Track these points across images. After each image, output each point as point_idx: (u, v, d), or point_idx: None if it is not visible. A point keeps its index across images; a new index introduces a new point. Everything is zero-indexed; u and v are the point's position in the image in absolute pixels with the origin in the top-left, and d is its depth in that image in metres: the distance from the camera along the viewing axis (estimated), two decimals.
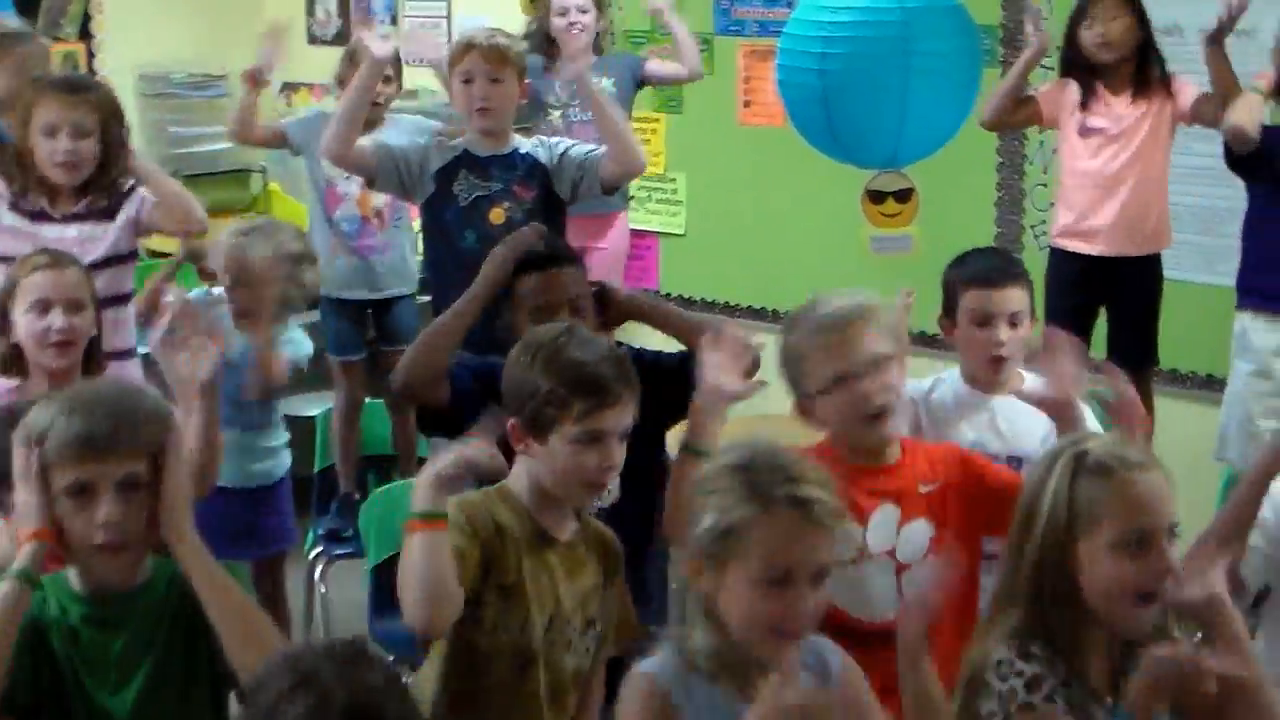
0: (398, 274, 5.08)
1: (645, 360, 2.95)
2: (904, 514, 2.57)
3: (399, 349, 4.85)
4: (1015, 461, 2.97)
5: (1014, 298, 3.08)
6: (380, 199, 4.89)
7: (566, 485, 2.41)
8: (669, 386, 2.84)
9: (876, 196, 3.87)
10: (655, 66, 5.48)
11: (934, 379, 3.22)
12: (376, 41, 4.10)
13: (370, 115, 4.94)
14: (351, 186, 4.92)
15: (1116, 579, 2.07)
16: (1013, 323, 3.07)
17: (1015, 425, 3.05)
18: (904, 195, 3.86)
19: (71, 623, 2.10)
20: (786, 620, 1.97)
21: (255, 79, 4.98)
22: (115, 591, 2.13)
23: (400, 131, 4.93)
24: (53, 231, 3.77)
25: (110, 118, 3.81)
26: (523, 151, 4.04)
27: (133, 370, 3.85)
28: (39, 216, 3.80)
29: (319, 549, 4.45)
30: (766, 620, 1.97)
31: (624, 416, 2.40)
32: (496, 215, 3.94)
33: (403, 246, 5.11)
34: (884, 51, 3.52)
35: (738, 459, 2.04)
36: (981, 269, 3.20)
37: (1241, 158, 4.22)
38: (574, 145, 4.07)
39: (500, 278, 3.07)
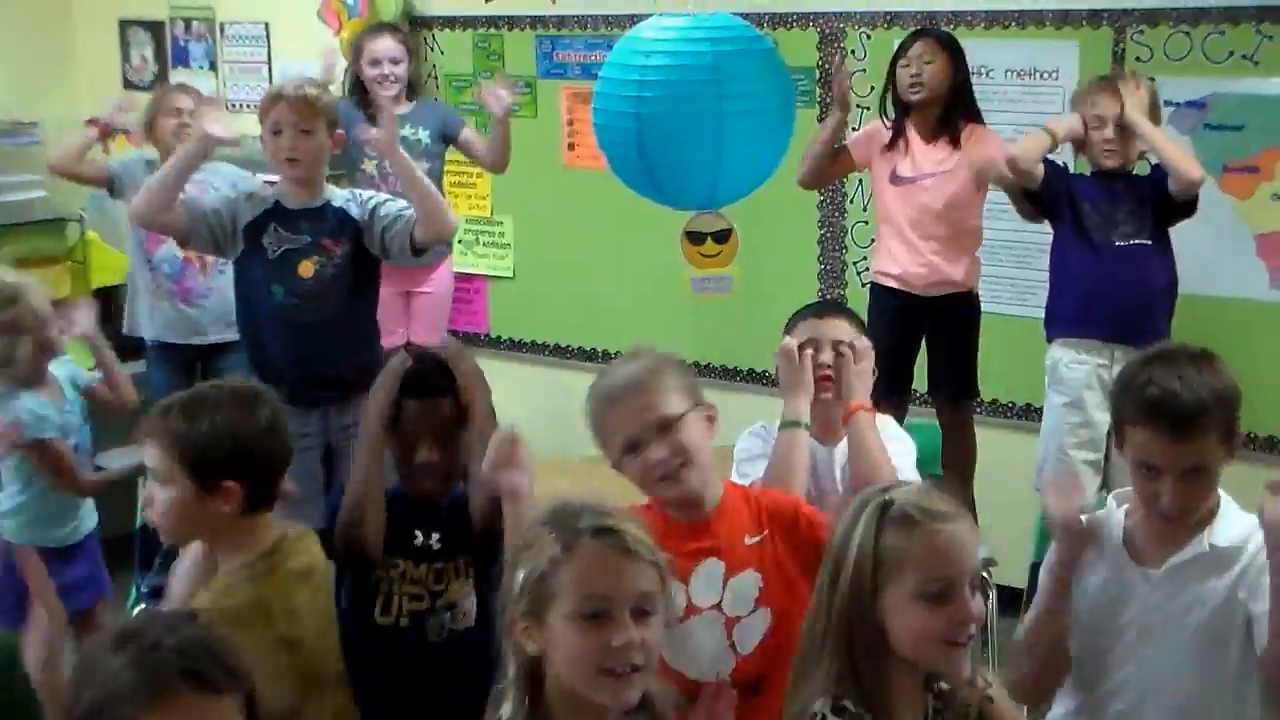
0: (224, 320, 4.96)
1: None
2: (729, 567, 2.55)
3: None
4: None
5: (837, 326, 3.13)
6: None
7: None
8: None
9: (696, 237, 3.90)
10: (469, 136, 5.46)
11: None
12: (217, 125, 4.01)
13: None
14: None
15: (921, 628, 2.10)
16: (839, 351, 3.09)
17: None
18: (723, 236, 3.89)
19: None
20: (612, 657, 1.93)
21: (105, 129, 4.87)
22: None
23: (220, 179, 4.86)
24: None
25: None
26: (335, 205, 4.01)
27: None
28: None
29: (142, 605, 4.33)
30: (592, 660, 1.93)
31: None
32: (305, 269, 3.90)
33: (228, 291, 5.00)
34: (697, 94, 3.54)
35: (542, 514, 2.04)
36: (811, 306, 3.34)
37: (1039, 199, 4.38)
38: (386, 202, 4.02)
39: (386, 406, 2.98)
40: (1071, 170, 4.57)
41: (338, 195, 4.05)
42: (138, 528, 4.48)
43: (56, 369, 3.90)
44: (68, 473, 3.78)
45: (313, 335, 3.76)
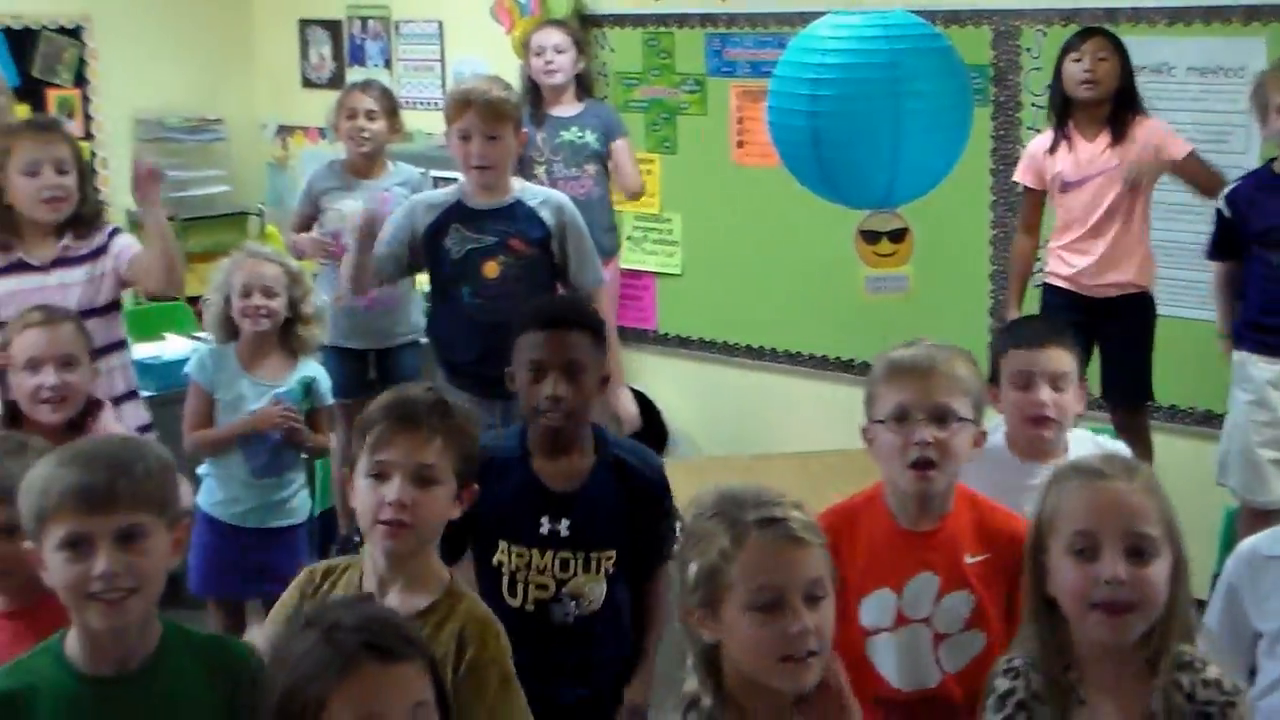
0: (400, 323, 5.05)
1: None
2: (944, 584, 2.52)
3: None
4: None
5: (1055, 358, 3.01)
6: None
7: None
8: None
9: (870, 236, 3.87)
10: (620, 147, 5.46)
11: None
12: (354, 210, 4.15)
13: (363, 163, 4.97)
14: (355, 204, 4.92)
15: (1069, 585, 2.10)
16: (1055, 385, 2.99)
17: None
18: (898, 235, 3.86)
19: (65, 702, 2.04)
20: (789, 644, 1.96)
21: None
22: (116, 673, 2.06)
23: (399, 178, 4.97)
24: (34, 281, 3.80)
25: (79, 154, 3.85)
26: (527, 204, 4.00)
27: (134, 413, 3.85)
28: (18, 268, 3.82)
29: None
30: (770, 648, 1.96)
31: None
32: (490, 269, 3.91)
33: (405, 298, 5.10)
34: (874, 92, 3.52)
35: (708, 506, 2.06)
36: (1024, 331, 3.20)
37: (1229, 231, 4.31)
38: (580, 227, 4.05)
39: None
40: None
41: (531, 193, 4.05)
42: (316, 514, 4.61)
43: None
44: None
45: (498, 333, 3.77)
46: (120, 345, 3.93)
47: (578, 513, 2.87)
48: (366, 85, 5.12)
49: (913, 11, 3.85)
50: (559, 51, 5.36)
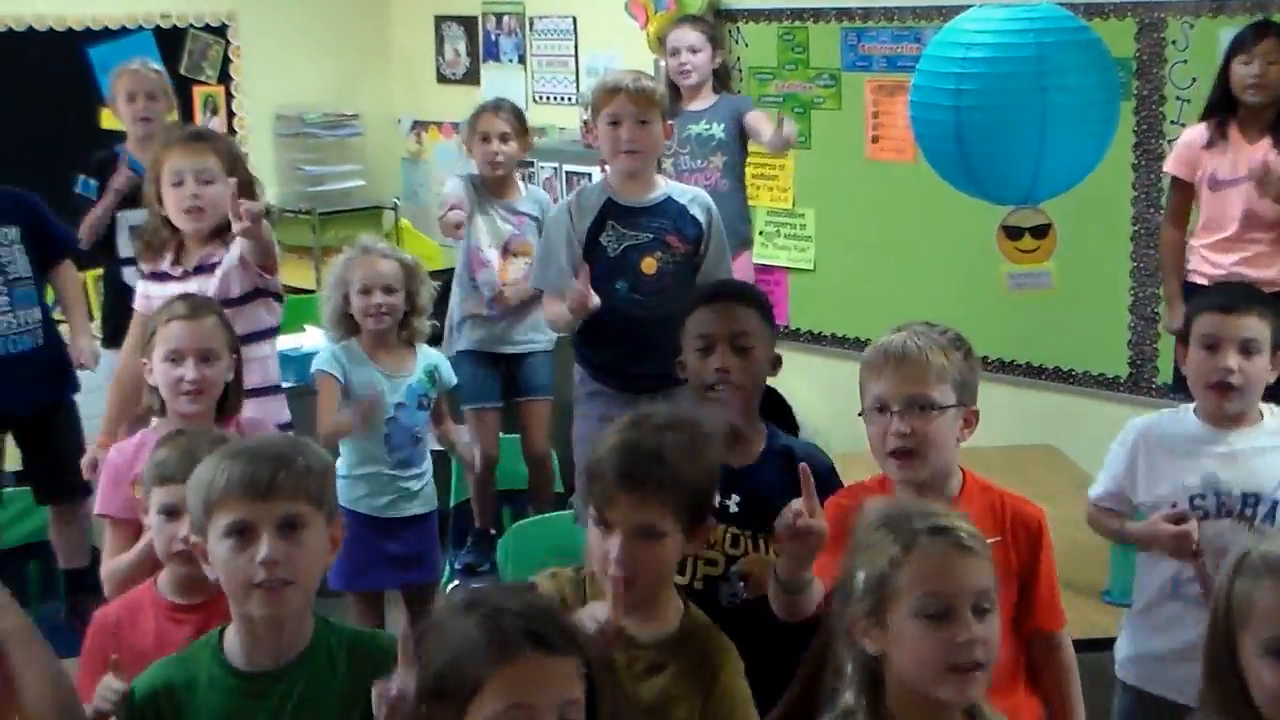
0: (532, 330, 5.04)
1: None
2: None
3: (532, 399, 4.94)
4: (1251, 499, 2.90)
5: (1247, 325, 2.93)
6: (519, 272, 4.90)
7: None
8: None
9: (1013, 232, 3.81)
10: (755, 117, 5.34)
11: (1171, 411, 3.12)
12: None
13: (496, 184, 5.01)
14: (493, 254, 4.95)
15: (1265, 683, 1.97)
16: (1245, 350, 2.92)
17: (1253, 461, 2.94)
18: (1041, 231, 3.80)
19: (219, 695, 2.11)
20: (957, 653, 1.95)
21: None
22: (269, 667, 2.12)
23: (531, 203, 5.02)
24: (172, 288, 3.79)
25: (233, 165, 3.88)
26: (677, 200, 3.98)
27: (276, 406, 3.92)
28: (160, 277, 3.88)
29: (455, 583, 4.50)
30: (937, 658, 1.95)
31: None
32: (649, 265, 3.89)
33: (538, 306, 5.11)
34: (1019, 86, 3.47)
35: (875, 518, 2.07)
36: (1219, 296, 3.15)
37: None
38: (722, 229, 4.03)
39: None
40: None
41: (678, 190, 4.03)
42: (451, 506, 4.67)
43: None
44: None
45: (653, 329, 3.76)
46: (265, 335, 3.96)
47: (748, 489, 2.85)
48: (498, 107, 5.12)
49: (1060, 4, 3.79)
50: (693, 51, 5.35)
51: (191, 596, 2.52)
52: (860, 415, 2.65)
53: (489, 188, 5.02)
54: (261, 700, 2.09)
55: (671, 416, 2.42)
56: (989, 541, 2.42)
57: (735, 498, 2.86)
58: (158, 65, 5.37)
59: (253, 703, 2.09)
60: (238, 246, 3.76)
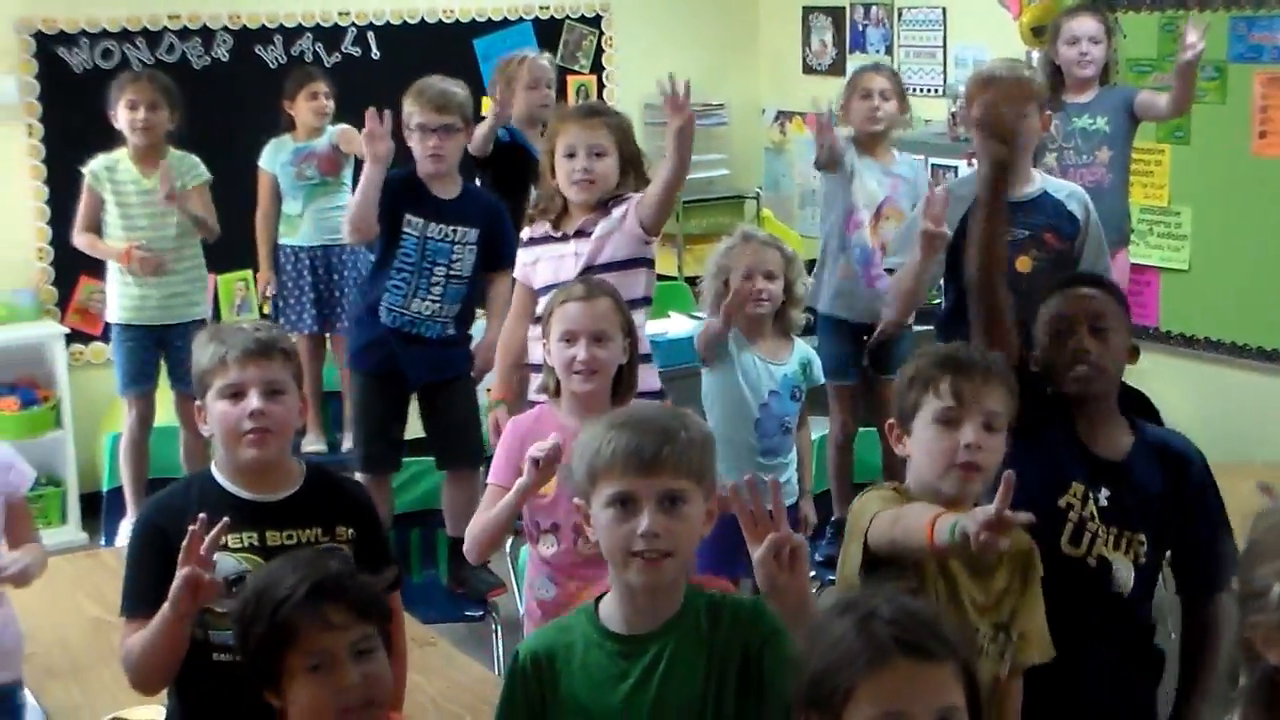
0: (882, 302, 5.04)
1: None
2: None
3: (892, 378, 4.91)
4: None
5: None
6: (888, 235, 4.87)
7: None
8: None
9: None
10: (1146, 99, 5.15)
11: None
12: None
13: (871, 143, 5.00)
14: (866, 215, 4.99)
15: None
16: None
17: None
18: None
19: (596, 655, 2.19)
20: None
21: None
22: (645, 630, 2.18)
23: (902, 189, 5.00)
24: (555, 250, 4.03)
25: (624, 141, 4.04)
26: (1053, 195, 3.91)
27: (647, 374, 4.01)
28: (543, 240, 4.07)
29: (812, 574, 4.52)
30: None
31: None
32: (1023, 264, 3.82)
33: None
34: None
35: (1275, 518, 1.96)
36: None
37: None
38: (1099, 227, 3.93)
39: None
40: None
41: (1054, 185, 3.97)
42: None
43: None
44: None
45: (1023, 329, 3.72)
46: (637, 304, 3.96)
47: (1117, 484, 2.81)
48: (878, 67, 5.21)
49: None
50: (1094, 42, 5.17)
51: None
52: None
53: (865, 146, 5.04)
54: (635, 660, 2.16)
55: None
56: None
57: (1105, 491, 2.81)
58: (551, 57, 5.70)
59: (626, 663, 2.17)
60: (625, 209, 3.90)
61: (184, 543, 2.42)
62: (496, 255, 4.62)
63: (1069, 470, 2.82)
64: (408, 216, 4.58)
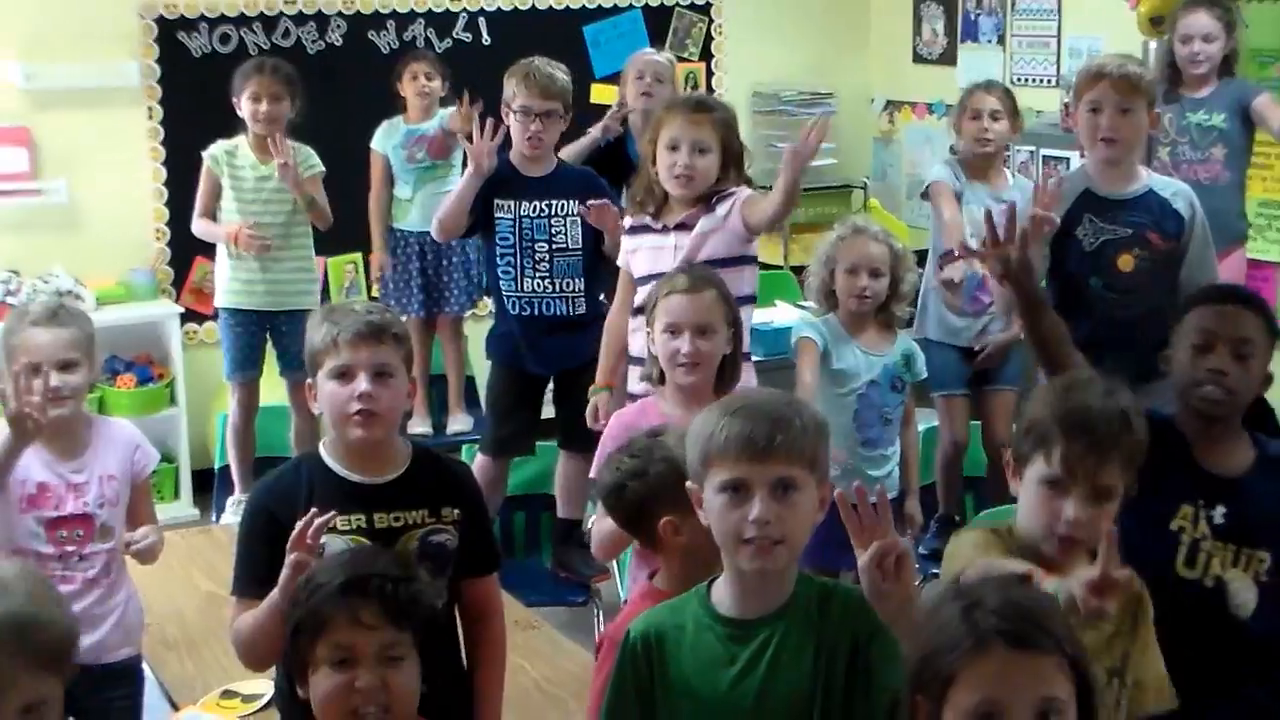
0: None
1: None
2: None
3: (999, 388, 4.89)
4: None
5: None
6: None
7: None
8: None
9: None
10: (1263, 105, 5.04)
11: None
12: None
13: (981, 165, 4.96)
14: (974, 244, 4.90)
15: None
16: None
17: None
18: None
19: (707, 636, 2.20)
20: None
21: None
22: (756, 615, 2.19)
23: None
24: (653, 240, 4.06)
25: (728, 137, 4.03)
26: (1159, 193, 3.85)
27: (745, 373, 4.03)
28: (642, 230, 4.09)
29: (915, 567, 4.50)
30: None
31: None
32: (1125, 262, 3.79)
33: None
34: None
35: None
36: None
37: None
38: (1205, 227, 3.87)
39: None
40: None
41: (1161, 183, 3.91)
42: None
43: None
44: None
45: (1125, 330, 3.67)
46: (742, 301, 4.02)
47: (1235, 501, 2.76)
48: (990, 86, 5.11)
49: None
50: (1208, 40, 5.07)
51: None
52: None
53: (974, 171, 4.98)
54: (744, 645, 2.17)
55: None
56: None
57: (1220, 509, 2.76)
58: (670, 56, 5.79)
59: (736, 646, 2.18)
60: (730, 208, 3.91)
61: (294, 531, 2.47)
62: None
63: (1180, 492, 2.77)
64: (497, 202, 4.61)
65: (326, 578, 2.23)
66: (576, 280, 4.66)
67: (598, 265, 4.70)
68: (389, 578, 2.24)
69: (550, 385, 4.84)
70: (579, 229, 4.61)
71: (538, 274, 4.63)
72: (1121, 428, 2.40)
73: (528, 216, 4.60)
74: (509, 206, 4.61)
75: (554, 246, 4.62)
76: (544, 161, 4.68)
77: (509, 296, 4.66)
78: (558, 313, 4.66)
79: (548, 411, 4.90)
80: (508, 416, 4.76)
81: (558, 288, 4.65)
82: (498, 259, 4.65)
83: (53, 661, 2.03)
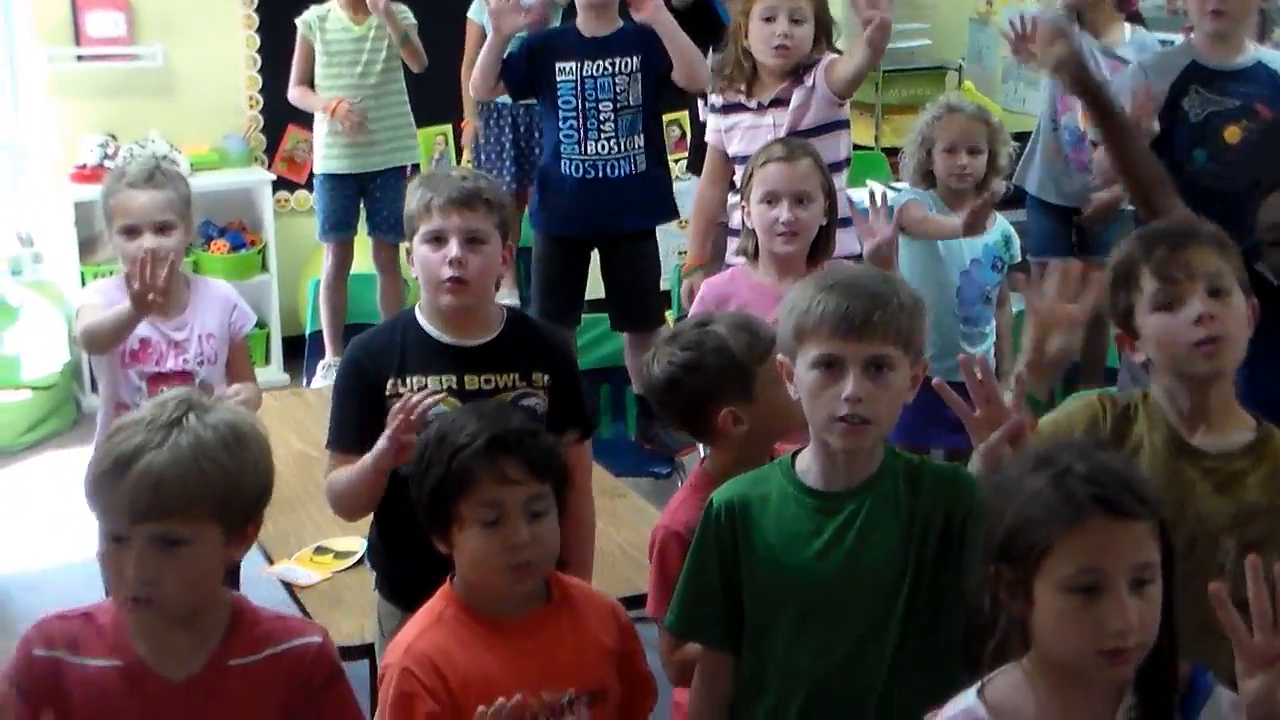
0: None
1: None
2: None
3: (1100, 259, 4.81)
4: None
5: None
6: None
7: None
8: None
9: None
10: None
11: None
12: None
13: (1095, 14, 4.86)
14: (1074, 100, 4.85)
15: None
16: None
17: None
18: None
19: (791, 507, 2.20)
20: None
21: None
22: (841, 488, 2.19)
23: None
24: (748, 119, 4.05)
25: (819, 8, 4.01)
26: (1269, 65, 3.79)
27: (847, 239, 3.98)
28: (735, 109, 4.07)
29: None
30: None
31: None
32: (1231, 134, 3.73)
33: None
34: None
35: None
36: None
37: None
38: None
39: None
40: None
41: (1270, 56, 3.85)
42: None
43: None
44: None
45: (1228, 202, 3.60)
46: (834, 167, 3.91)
47: None
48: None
49: None
50: None
51: None
52: None
53: (1091, 21, 4.86)
54: (831, 516, 2.18)
55: None
56: None
57: None
58: None
59: (823, 517, 2.18)
60: (814, 75, 3.91)
61: (397, 405, 2.50)
62: (663, 79, 4.55)
63: None
64: (558, 65, 4.57)
65: (466, 437, 2.22)
66: (638, 137, 4.62)
67: (658, 119, 4.70)
68: (528, 431, 2.27)
69: (597, 257, 4.83)
70: (642, 85, 4.56)
71: (603, 135, 4.58)
72: (1198, 228, 2.40)
73: (591, 77, 4.56)
74: (571, 69, 4.57)
75: (618, 105, 4.57)
76: (608, 18, 4.61)
77: (570, 159, 4.62)
78: (622, 174, 4.62)
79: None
80: (551, 291, 4.77)
81: (622, 147, 4.60)
82: (560, 123, 4.61)
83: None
